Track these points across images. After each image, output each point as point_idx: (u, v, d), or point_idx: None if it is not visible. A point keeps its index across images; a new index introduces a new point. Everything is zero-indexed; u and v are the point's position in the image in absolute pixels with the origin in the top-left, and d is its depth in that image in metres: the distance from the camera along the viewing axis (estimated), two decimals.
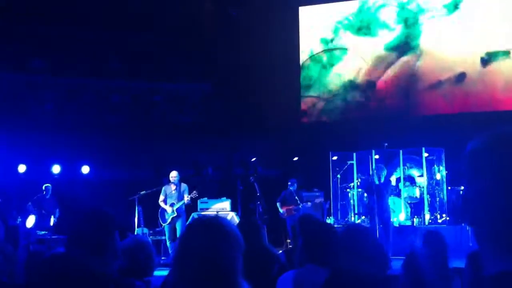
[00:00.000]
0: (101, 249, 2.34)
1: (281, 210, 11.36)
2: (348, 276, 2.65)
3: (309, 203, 11.41)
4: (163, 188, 10.52)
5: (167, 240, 10.29)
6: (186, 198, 10.28)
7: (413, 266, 3.58)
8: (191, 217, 11.51)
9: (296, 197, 11.23)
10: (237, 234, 1.95)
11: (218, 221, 1.97)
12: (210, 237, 1.89)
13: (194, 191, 10.50)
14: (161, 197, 10.40)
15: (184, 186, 10.47)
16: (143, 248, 3.27)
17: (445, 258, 3.94)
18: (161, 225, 10.54)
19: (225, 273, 1.86)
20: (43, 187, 11.76)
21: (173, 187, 10.38)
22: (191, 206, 11.35)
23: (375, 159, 11.95)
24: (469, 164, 1.10)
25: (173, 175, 10.42)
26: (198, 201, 11.78)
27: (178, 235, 10.05)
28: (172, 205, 10.24)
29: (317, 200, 12.10)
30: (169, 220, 10.23)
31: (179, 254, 1.91)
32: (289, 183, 11.48)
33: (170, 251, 10.01)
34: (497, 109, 12.88)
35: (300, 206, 11.12)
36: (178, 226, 10.21)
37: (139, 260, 3.19)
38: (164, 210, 10.34)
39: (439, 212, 11.67)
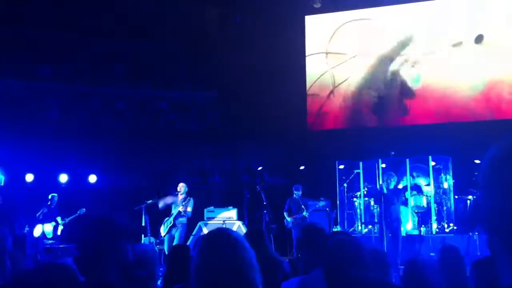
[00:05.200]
0: (104, 256, 2.35)
1: (289, 219, 11.20)
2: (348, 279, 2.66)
3: (306, 214, 11.26)
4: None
5: (166, 251, 10.23)
6: (181, 208, 10.24)
7: (414, 275, 3.56)
8: (197, 226, 11.51)
9: (302, 205, 11.11)
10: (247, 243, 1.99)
11: (234, 232, 2.00)
12: (235, 248, 1.91)
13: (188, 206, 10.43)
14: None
15: (188, 199, 10.43)
16: (147, 264, 3.26)
17: (463, 272, 3.88)
18: (162, 235, 10.55)
19: (251, 282, 1.89)
20: (49, 197, 11.81)
21: (180, 197, 10.38)
22: (198, 215, 11.34)
23: (382, 168, 11.91)
24: (487, 173, 1.08)
25: (181, 185, 10.45)
26: (205, 210, 11.77)
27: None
28: (171, 215, 10.30)
29: (318, 205, 11.97)
30: (166, 230, 10.25)
31: (203, 266, 1.91)
32: (294, 190, 11.33)
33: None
34: (502, 118, 12.84)
35: (306, 215, 11.01)
36: (176, 236, 10.21)
37: (140, 275, 3.18)
38: (164, 221, 10.39)
39: (446, 221, 11.61)
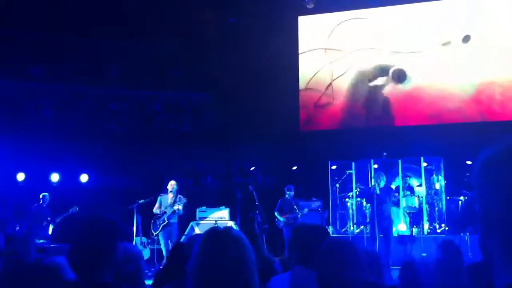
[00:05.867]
0: (99, 256, 2.34)
1: (281, 219, 11.22)
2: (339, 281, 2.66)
3: (306, 210, 11.28)
4: (159, 197, 10.53)
5: (163, 249, 10.23)
6: (177, 207, 10.27)
7: (410, 276, 3.58)
8: (189, 225, 11.49)
9: (294, 206, 11.13)
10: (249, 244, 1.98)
11: (237, 233, 1.98)
12: (237, 249, 1.89)
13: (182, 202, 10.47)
14: (156, 205, 10.43)
15: (180, 197, 10.44)
16: (133, 259, 3.24)
17: (462, 266, 3.91)
18: (153, 234, 10.51)
19: (252, 282, 1.89)
20: (40, 196, 11.75)
21: (170, 195, 10.38)
22: (190, 215, 11.33)
23: (374, 168, 11.94)
24: (481, 175, 1.09)
25: (172, 183, 10.45)
26: (197, 210, 11.76)
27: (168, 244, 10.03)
28: (163, 213, 10.27)
29: (314, 205, 12.00)
30: (160, 228, 10.24)
31: (201, 266, 1.89)
32: (286, 190, 11.33)
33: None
34: (494, 119, 12.90)
35: (298, 215, 11.03)
36: (173, 235, 10.21)
37: (128, 271, 3.16)
38: (155, 219, 10.36)
39: (438, 221, 11.66)
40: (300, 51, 14.87)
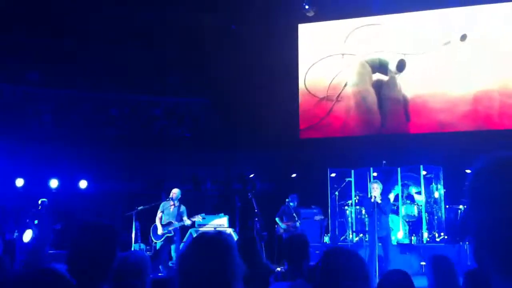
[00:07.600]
0: (101, 263, 2.33)
1: (282, 226, 11.21)
2: None
3: (298, 223, 11.24)
4: (161, 204, 10.38)
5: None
6: (188, 221, 10.17)
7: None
8: (188, 233, 11.45)
9: (294, 214, 11.13)
10: (237, 252, 1.96)
11: (222, 237, 1.96)
12: (217, 254, 1.88)
13: (201, 215, 10.44)
14: (159, 214, 10.24)
15: (183, 207, 10.34)
16: (143, 266, 3.22)
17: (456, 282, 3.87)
18: (153, 241, 10.41)
19: None
20: (39, 202, 11.72)
21: (172, 203, 10.26)
22: None
23: (374, 176, 11.93)
24: (471, 188, 1.10)
25: (174, 192, 10.29)
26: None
27: (173, 254, 9.95)
28: (169, 223, 10.12)
29: (317, 218, 12.02)
30: (163, 238, 10.12)
31: (184, 271, 1.89)
32: (289, 199, 11.34)
33: (161, 267, 9.88)
34: (493, 128, 12.91)
35: (298, 224, 11.02)
36: (173, 246, 10.09)
37: (133, 277, 3.14)
38: (156, 228, 10.24)
39: (437, 230, 11.64)
40: (300, 59, 14.89)
